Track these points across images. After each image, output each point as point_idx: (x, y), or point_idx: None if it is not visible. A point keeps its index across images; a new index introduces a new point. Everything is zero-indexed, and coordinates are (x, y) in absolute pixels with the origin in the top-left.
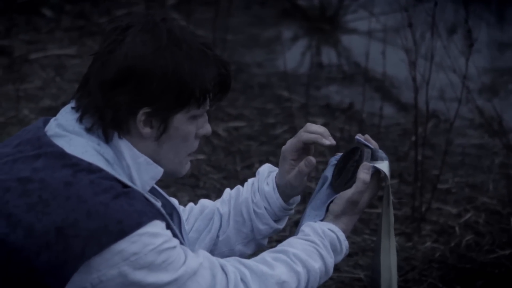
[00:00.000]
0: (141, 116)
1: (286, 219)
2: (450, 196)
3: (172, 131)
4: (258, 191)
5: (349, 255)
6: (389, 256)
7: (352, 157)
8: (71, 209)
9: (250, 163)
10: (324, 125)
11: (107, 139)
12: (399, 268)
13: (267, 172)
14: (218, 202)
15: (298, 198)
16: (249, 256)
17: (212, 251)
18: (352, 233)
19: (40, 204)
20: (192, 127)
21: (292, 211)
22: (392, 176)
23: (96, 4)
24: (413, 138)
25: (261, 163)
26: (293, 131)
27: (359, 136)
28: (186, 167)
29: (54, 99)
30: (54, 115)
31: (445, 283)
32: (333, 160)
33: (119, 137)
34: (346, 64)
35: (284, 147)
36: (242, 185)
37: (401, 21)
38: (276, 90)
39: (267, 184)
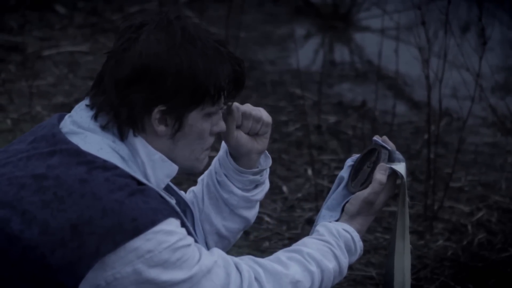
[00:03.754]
0: (156, 114)
1: (260, 188)
2: (462, 194)
3: (187, 129)
4: (218, 160)
5: None
6: (403, 258)
7: (369, 158)
8: (86, 206)
9: None
10: (337, 123)
11: (122, 137)
12: (411, 266)
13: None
14: (194, 187)
15: (265, 162)
16: (263, 256)
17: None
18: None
19: (55, 201)
20: (207, 124)
21: (257, 177)
22: None
23: (109, 1)
24: (426, 136)
25: (274, 160)
26: (306, 128)
27: (376, 137)
28: (204, 162)
29: (67, 95)
30: (67, 111)
31: (457, 281)
32: (350, 161)
33: (134, 135)
34: (359, 62)
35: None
36: None
37: (414, 19)
38: (288, 88)
39: (221, 149)
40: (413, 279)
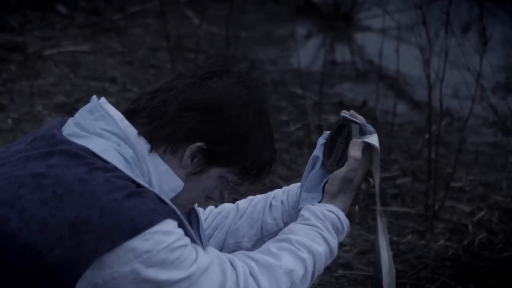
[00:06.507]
0: (194, 146)
1: None
2: (463, 194)
3: (204, 177)
4: (284, 189)
5: (362, 253)
6: (383, 236)
7: (340, 134)
8: (84, 206)
9: None
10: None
11: (151, 149)
12: (412, 266)
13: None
14: (240, 201)
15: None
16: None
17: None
18: (365, 231)
19: (54, 199)
20: (216, 184)
21: None
22: (405, 174)
23: (110, 0)
24: (427, 136)
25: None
26: (306, 128)
27: (344, 112)
28: (189, 207)
29: (68, 95)
30: (68, 111)
31: (458, 281)
32: (321, 139)
33: (163, 153)
34: (360, 61)
35: None
36: None
37: (415, 18)
38: (289, 88)
39: (296, 184)
40: (414, 279)
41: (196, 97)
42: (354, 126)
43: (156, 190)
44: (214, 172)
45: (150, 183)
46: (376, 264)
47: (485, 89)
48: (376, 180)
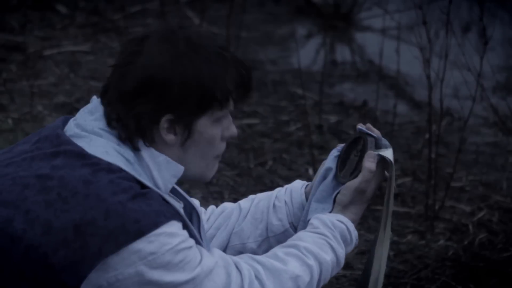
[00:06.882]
0: (163, 123)
1: None
2: (463, 194)
3: (197, 136)
4: (286, 188)
5: (362, 253)
6: (382, 247)
7: (355, 147)
8: (89, 207)
9: (264, 161)
10: (338, 122)
11: (134, 148)
12: (412, 266)
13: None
14: (242, 200)
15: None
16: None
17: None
18: (365, 231)
19: (58, 201)
20: (217, 130)
21: None
22: (405, 174)
23: (110, 0)
24: (427, 136)
25: (275, 160)
26: (307, 128)
27: (360, 126)
28: (213, 170)
29: (68, 95)
30: (68, 111)
31: (458, 281)
32: (335, 151)
33: (145, 145)
34: (360, 61)
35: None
36: (254, 181)
37: (415, 18)
38: (289, 88)
39: (298, 182)
40: (414, 279)
41: (129, 85)
42: (370, 139)
43: (159, 181)
44: (201, 124)
45: (152, 177)
46: (364, 272)
47: (485, 89)
48: (391, 195)
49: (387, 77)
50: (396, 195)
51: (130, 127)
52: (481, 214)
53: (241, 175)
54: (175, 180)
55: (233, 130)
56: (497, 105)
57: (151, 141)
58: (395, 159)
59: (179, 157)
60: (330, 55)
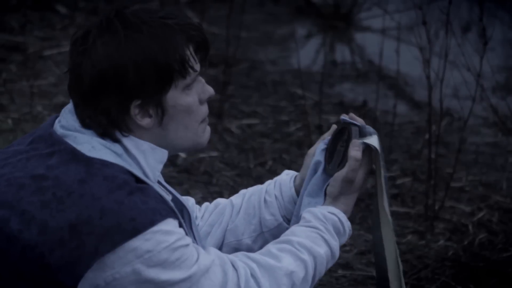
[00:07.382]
0: (134, 110)
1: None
2: (463, 194)
3: (172, 111)
4: (275, 182)
5: (362, 253)
6: (391, 230)
7: (340, 138)
8: (85, 207)
9: (263, 161)
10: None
11: (114, 140)
12: (412, 266)
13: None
14: (233, 196)
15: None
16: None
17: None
18: (365, 231)
19: (54, 201)
20: (191, 97)
21: None
22: (405, 174)
23: (110, 1)
24: (427, 136)
25: (274, 160)
26: (306, 128)
27: (344, 116)
28: (205, 135)
29: (68, 95)
30: None
31: (458, 281)
32: (322, 144)
33: (123, 135)
34: (360, 61)
35: (310, 149)
36: (254, 181)
37: (415, 19)
38: (289, 88)
39: (287, 174)
40: (414, 279)
41: (85, 86)
42: (353, 128)
43: (147, 169)
44: (171, 98)
45: (139, 166)
46: (377, 258)
47: (485, 89)
48: (382, 180)
49: (387, 77)
50: (396, 195)
51: (103, 123)
52: (481, 214)
53: (241, 175)
54: (161, 166)
55: (208, 90)
56: (497, 105)
57: (129, 131)
58: (395, 159)
59: (161, 137)
60: (330, 55)
